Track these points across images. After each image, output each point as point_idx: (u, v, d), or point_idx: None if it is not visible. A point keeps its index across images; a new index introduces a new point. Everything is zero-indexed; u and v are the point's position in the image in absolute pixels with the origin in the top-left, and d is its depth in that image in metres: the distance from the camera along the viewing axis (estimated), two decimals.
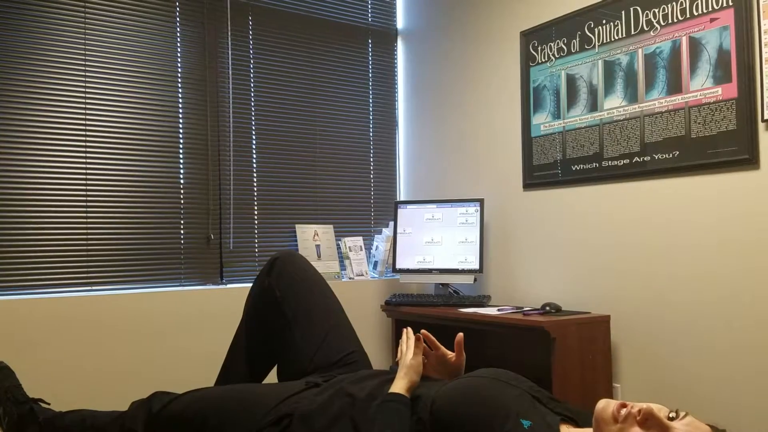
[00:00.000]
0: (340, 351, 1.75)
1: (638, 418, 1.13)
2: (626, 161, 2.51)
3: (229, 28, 3.13)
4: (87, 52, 2.77)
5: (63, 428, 1.75)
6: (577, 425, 1.30)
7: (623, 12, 2.53)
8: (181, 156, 2.98)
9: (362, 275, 3.35)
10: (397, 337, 3.05)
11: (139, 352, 2.70)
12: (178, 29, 3.00)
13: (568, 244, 2.75)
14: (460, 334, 1.59)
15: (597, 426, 1.19)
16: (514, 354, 2.89)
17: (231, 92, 3.12)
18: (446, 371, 1.62)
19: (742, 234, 2.17)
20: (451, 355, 1.62)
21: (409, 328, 1.61)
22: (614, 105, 2.56)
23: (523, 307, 2.73)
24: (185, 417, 1.59)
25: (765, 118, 2.09)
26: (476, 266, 3.02)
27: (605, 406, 1.19)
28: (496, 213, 3.09)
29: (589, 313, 2.57)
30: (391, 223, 3.35)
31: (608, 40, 2.59)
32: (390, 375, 1.51)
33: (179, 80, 2.99)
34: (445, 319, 2.79)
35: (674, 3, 2.36)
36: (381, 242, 3.45)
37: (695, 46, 2.29)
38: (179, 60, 3.00)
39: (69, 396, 2.55)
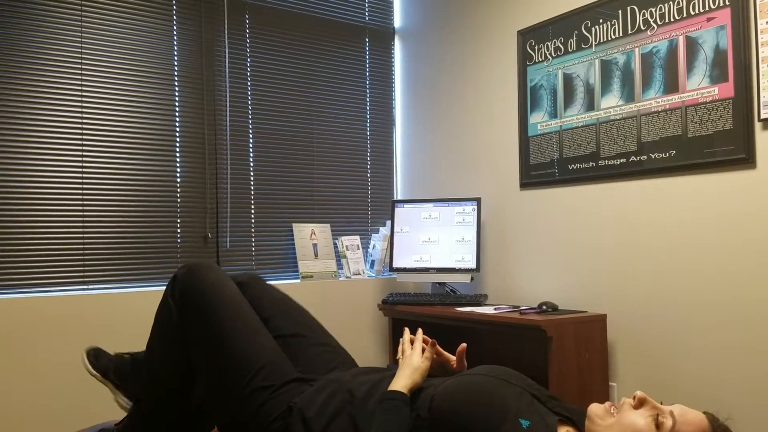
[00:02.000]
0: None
1: (633, 403, 1.23)
2: (623, 160, 2.51)
3: (226, 26, 3.13)
4: (83, 50, 2.76)
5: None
6: (575, 426, 1.31)
7: (620, 11, 2.53)
8: (177, 154, 2.97)
9: (359, 274, 3.35)
10: (394, 335, 3.05)
11: (136, 350, 2.69)
12: (175, 27, 3.00)
13: (564, 243, 2.75)
14: (463, 345, 1.58)
15: (591, 423, 1.25)
16: (511, 353, 2.89)
17: (228, 90, 3.12)
18: (445, 375, 1.61)
19: (738, 233, 2.17)
20: (452, 360, 1.60)
21: (407, 329, 1.60)
22: (611, 104, 2.56)
23: (519, 306, 2.73)
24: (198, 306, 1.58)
25: (761, 117, 2.09)
26: (473, 265, 3.02)
27: (597, 405, 1.28)
28: (493, 212, 3.10)
29: (585, 312, 2.57)
30: (388, 222, 3.35)
31: (605, 40, 2.59)
32: (388, 372, 1.51)
33: (176, 78, 2.99)
34: (442, 318, 2.79)
35: (671, 2, 2.36)
36: (378, 241, 3.45)
37: (692, 45, 2.30)
38: (176, 58, 2.99)
39: (65, 394, 2.55)
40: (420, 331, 1.58)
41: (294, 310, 1.80)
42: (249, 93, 3.19)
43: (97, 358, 1.81)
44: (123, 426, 1.72)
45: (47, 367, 2.52)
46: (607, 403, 1.27)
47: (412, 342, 1.54)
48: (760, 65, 2.09)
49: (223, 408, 1.55)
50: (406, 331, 1.58)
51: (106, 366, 1.80)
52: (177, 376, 1.64)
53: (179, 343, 1.61)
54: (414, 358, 1.47)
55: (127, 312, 2.69)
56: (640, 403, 1.22)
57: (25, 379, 2.48)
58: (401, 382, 1.41)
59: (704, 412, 1.24)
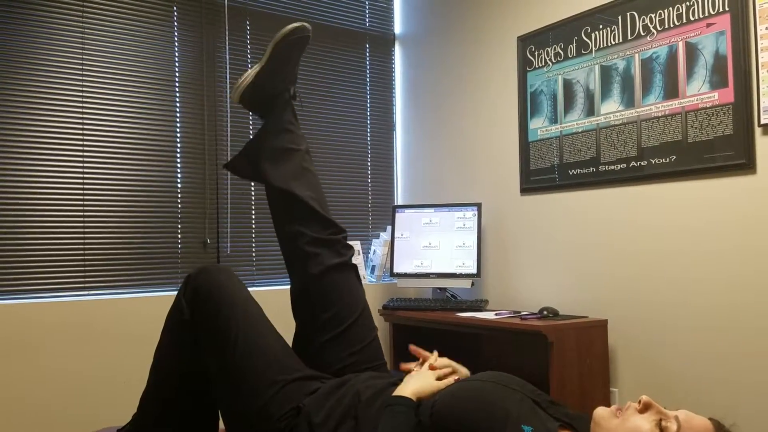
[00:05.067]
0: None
1: (638, 408, 1.23)
2: (623, 166, 2.52)
3: (227, 32, 3.13)
4: (85, 56, 2.77)
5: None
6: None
7: (620, 17, 2.54)
8: (178, 160, 2.98)
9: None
10: (395, 341, 3.05)
11: (136, 357, 2.69)
12: (176, 33, 3.00)
13: (565, 248, 2.75)
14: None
15: (596, 425, 1.25)
16: (512, 358, 2.88)
17: (228, 96, 3.12)
18: None
19: (738, 238, 2.17)
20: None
21: (437, 352, 1.58)
22: (611, 110, 2.57)
23: (520, 312, 2.73)
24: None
25: (761, 122, 2.10)
26: (474, 270, 3.02)
27: (603, 407, 1.29)
28: (493, 217, 3.10)
29: (586, 317, 2.57)
30: (389, 228, 3.35)
31: (605, 45, 2.59)
32: (393, 379, 1.51)
33: (177, 84, 2.99)
34: (442, 324, 2.79)
35: (671, 8, 2.37)
36: (379, 246, 3.45)
37: (692, 51, 2.30)
38: (177, 64, 3.00)
39: (65, 400, 2.54)
40: (441, 358, 1.57)
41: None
42: None
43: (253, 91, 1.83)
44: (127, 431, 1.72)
45: (47, 373, 2.52)
46: (613, 407, 1.27)
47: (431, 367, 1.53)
48: (760, 70, 2.09)
49: (230, 405, 1.55)
50: (435, 354, 1.57)
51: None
52: (183, 376, 1.63)
53: (188, 342, 1.61)
54: (430, 376, 1.48)
55: (128, 318, 2.69)
56: (645, 408, 1.22)
57: (26, 384, 2.47)
58: (410, 388, 1.40)
59: (709, 418, 1.24)
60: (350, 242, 3.36)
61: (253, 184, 3.17)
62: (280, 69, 1.82)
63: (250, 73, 1.83)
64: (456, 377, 1.50)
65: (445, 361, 1.55)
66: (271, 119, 1.84)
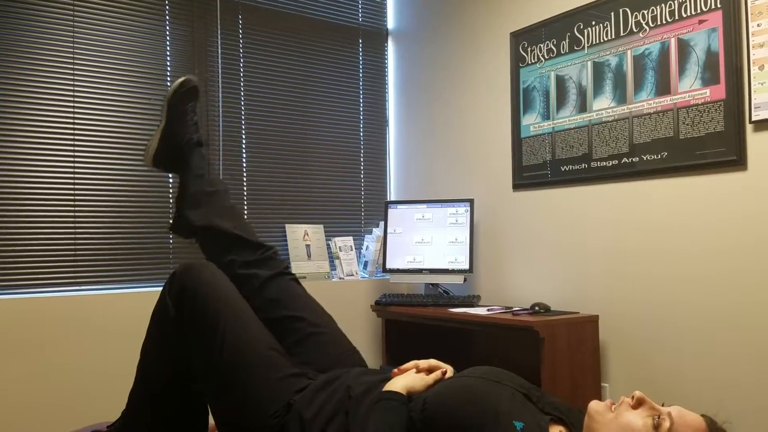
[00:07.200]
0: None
1: (632, 403, 1.23)
2: (615, 162, 2.52)
3: (219, 27, 3.12)
4: (76, 51, 2.75)
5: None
6: (566, 425, 1.31)
7: (612, 13, 2.54)
8: None
9: (352, 275, 3.34)
10: (387, 336, 3.05)
11: (128, 352, 2.68)
12: (168, 28, 2.99)
13: (557, 244, 2.76)
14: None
15: (591, 419, 1.25)
16: (504, 354, 2.89)
17: (220, 91, 3.11)
18: None
19: (729, 235, 2.18)
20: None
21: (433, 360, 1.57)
22: (603, 106, 2.57)
23: (512, 307, 2.73)
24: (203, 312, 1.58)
25: (752, 119, 2.10)
26: (466, 266, 3.02)
27: (597, 402, 1.29)
28: (485, 213, 3.10)
29: (577, 313, 2.58)
30: (382, 223, 3.35)
31: (597, 42, 2.60)
32: (385, 375, 1.51)
33: (168, 79, 2.98)
34: (435, 320, 2.79)
35: (663, 4, 2.37)
36: (371, 242, 3.45)
37: (684, 47, 2.31)
38: (168, 59, 2.98)
39: (57, 396, 2.53)
40: (428, 359, 1.57)
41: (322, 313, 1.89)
42: (242, 94, 3.18)
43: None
44: (116, 428, 1.71)
45: (38, 368, 2.51)
46: (607, 401, 1.27)
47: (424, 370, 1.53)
48: (752, 67, 2.10)
49: (220, 402, 1.54)
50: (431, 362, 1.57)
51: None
52: (170, 373, 1.63)
53: (174, 340, 1.60)
54: (423, 374, 1.47)
55: (119, 313, 2.68)
56: (638, 404, 1.22)
57: (16, 379, 2.46)
58: (400, 383, 1.40)
59: (702, 415, 1.24)
60: (342, 238, 3.39)
61: (245, 179, 3.17)
62: (180, 123, 1.94)
63: (155, 136, 1.95)
64: (443, 370, 1.50)
65: (432, 361, 1.54)
66: (186, 172, 1.94)
